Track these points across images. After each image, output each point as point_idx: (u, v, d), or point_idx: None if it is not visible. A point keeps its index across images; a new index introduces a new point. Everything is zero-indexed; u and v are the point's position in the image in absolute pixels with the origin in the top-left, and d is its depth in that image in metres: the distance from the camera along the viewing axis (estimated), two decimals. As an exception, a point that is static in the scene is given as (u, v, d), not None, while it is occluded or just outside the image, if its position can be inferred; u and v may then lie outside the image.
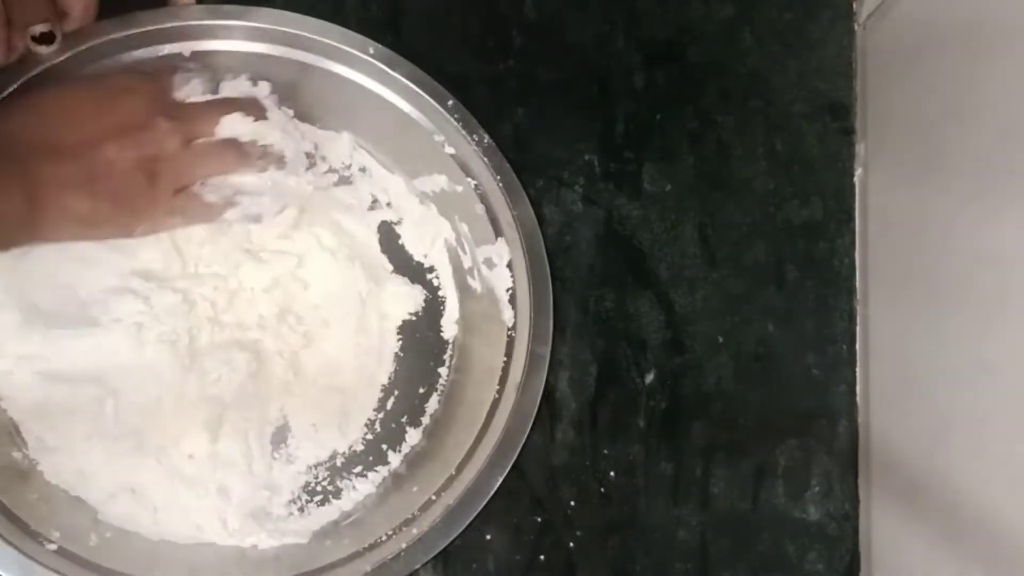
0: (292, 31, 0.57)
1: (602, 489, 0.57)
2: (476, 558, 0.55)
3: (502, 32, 0.63)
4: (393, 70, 0.57)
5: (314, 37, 0.57)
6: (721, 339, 0.60)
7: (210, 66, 0.55)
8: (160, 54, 0.56)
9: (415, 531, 0.51)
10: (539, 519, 0.56)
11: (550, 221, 0.60)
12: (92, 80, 0.52)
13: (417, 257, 0.60)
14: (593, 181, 0.61)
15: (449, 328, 0.59)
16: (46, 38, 0.50)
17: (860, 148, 0.64)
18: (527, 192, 0.59)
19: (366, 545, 0.52)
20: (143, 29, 0.55)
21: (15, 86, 0.51)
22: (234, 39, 0.57)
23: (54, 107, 0.49)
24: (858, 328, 0.61)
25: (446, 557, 0.53)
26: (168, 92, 0.52)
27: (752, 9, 0.65)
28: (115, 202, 0.49)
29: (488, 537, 0.55)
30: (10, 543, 0.48)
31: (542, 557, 0.55)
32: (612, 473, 0.57)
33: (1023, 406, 0.46)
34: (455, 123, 0.57)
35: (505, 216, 0.57)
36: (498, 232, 0.57)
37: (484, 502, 0.52)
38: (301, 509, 0.55)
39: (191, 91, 0.53)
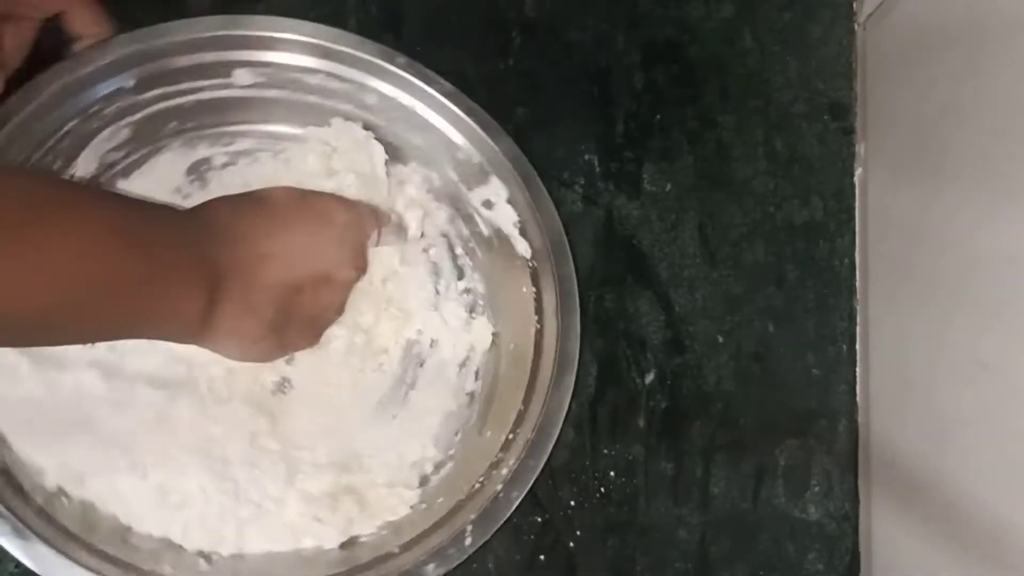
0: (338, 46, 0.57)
1: (602, 489, 0.57)
2: (476, 558, 0.54)
3: (502, 32, 0.63)
4: (429, 86, 0.57)
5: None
6: (721, 339, 0.60)
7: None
8: (176, 66, 0.55)
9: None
10: (539, 519, 0.56)
11: (550, 221, 0.60)
12: (323, 219, 0.52)
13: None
14: (593, 181, 0.61)
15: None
16: None
17: (860, 148, 0.64)
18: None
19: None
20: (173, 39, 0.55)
21: None
22: (264, 49, 0.56)
23: (289, 227, 0.49)
24: (858, 328, 0.61)
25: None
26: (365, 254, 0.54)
27: (752, 9, 0.65)
28: (281, 344, 0.51)
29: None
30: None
31: (542, 557, 0.55)
32: (612, 473, 0.57)
33: (1022, 405, 0.46)
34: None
35: (491, 155, 0.57)
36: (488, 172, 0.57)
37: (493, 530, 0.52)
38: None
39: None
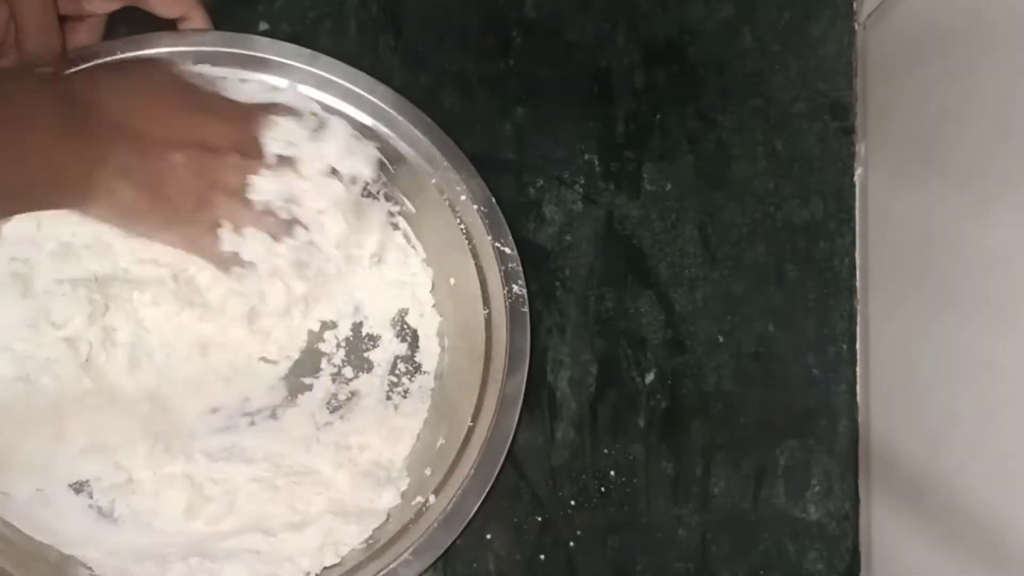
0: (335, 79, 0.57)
1: (602, 489, 0.57)
2: (476, 558, 0.55)
3: (502, 32, 0.63)
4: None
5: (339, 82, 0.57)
6: (721, 339, 0.60)
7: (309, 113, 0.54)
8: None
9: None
10: (539, 519, 0.56)
11: (550, 221, 0.60)
12: (193, 88, 0.53)
13: None
14: (593, 181, 0.61)
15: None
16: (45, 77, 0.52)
17: (860, 148, 0.64)
18: (527, 192, 0.59)
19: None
20: (143, 52, 0.55)
21: None
22: (234, 67, 0.56)
23: (147, 96, 0.50)
24: (858, 328, 0.61)
25: (447, 556, 0.53)
26: (255, 131, 0.51)
27: (752, 9, 0.65)
28: (157, 203, 0.50)
29: (488, 536, 0.55)
30: None
31: (542, 557, 0.55)
32: (612, 473, 0.57)
33: (1023, 405, 0.46)
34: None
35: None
36: None
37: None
38: None
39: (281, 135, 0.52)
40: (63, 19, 0.52)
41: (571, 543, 0.56)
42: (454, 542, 0.51)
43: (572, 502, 0.56)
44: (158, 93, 0.51)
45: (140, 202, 0.49)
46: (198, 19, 0.56)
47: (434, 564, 0.52)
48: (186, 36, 0.56)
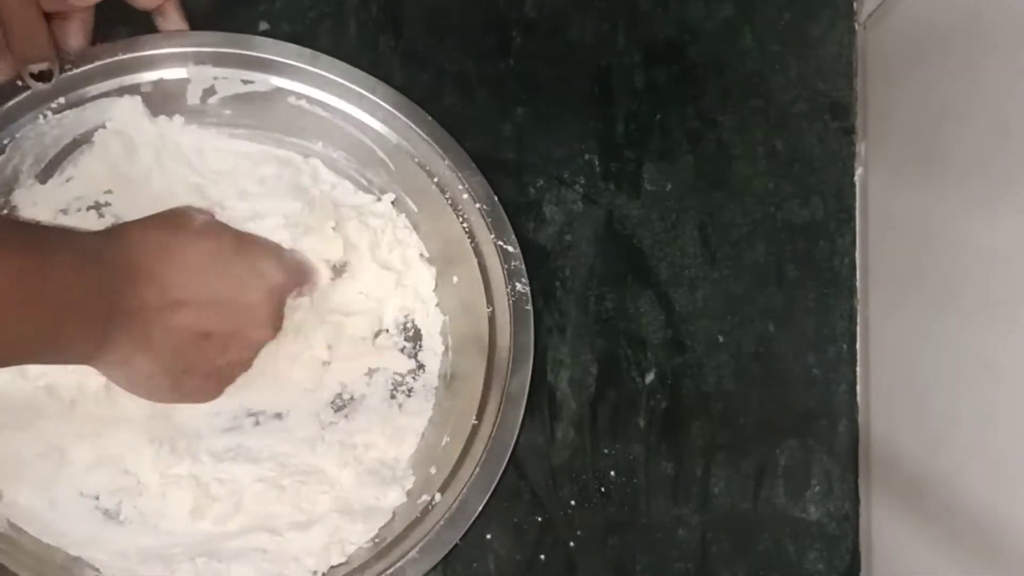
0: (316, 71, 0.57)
1: (602, 489, 0.57)
2: (476, 558, 0.55)
3: (502, 32, 0.63)
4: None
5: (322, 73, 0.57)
6: (721, 339, 0.60)
7: None
8: (163, 78, 0.56)
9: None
10: (539, 519, 0.56)
11: (550, 221, 0.60)
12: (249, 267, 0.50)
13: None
14: (593, 181, 0.61)
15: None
16: (44, 76, 0.51)
17: (860, 148, 0.64)
18: (527, 192, 0.59)
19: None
20: (144, 53, 0.55)
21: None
22: (235, 67, 0.56)
23: (215, 275, 0.48)
24: (858, 328, 0.61)
25: (447, 557, 0.53)
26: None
27: (752, 9, 0.65)
28: (175, 388, 0.49)
29: (488, 537, 0.55)
30: None
31: (542, 557, 0.55)
32: (612, 473, 0.57)
33: (1022, 406, 0.46)
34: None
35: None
36: None
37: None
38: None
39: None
40: (50, 17, 0.52)
41: (571, 543, 0.56)
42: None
43: (572, 502, 0.56)
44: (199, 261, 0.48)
45: (156, 376, 0.48)
46: (172, 13, 0.55)
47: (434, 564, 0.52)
48: (186, 37, 0.56)
